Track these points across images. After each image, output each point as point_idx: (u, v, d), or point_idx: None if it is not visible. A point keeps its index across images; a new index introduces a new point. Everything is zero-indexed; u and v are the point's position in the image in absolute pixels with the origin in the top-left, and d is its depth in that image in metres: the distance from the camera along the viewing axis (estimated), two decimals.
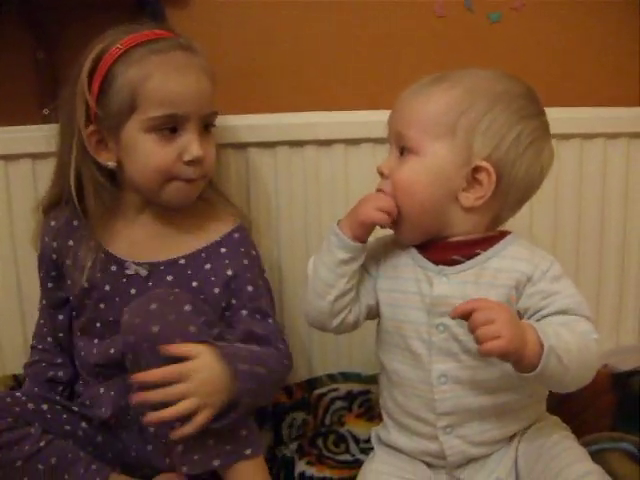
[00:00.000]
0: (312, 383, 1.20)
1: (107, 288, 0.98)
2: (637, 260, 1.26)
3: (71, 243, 1.00)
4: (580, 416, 0.98)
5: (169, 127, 0.93)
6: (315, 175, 1.18)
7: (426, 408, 0.83)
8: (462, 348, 0.81)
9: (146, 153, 0.93)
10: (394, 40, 1.24)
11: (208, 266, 0.98)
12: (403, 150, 0.84)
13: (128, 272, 0.98)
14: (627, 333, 1.26)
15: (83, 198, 0.97)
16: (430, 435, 0.84)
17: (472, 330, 0.71)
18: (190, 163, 0.94)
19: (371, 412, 1.11)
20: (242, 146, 1.17)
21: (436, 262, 0.84)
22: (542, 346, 0.72)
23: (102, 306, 0.98)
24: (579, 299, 0.80)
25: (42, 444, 0.90)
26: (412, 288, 0.84)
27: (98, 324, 0.99)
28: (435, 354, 0.82)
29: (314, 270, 0.87)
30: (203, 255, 0.99)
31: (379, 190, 0.85)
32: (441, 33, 1.24)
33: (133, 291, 0.97)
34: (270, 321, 0.98)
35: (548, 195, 1.19)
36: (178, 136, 0.93)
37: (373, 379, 1.10)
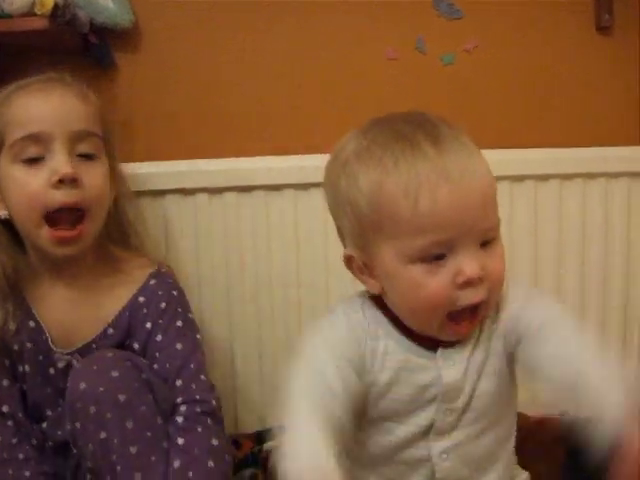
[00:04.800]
0: (262, 435, 1.14)
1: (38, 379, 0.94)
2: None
3: None
4: (534, 467, 0.94)
5: (36, 156, 0.88)
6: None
7: None
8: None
9: (16, 184, 0.89)
10: (346, 84, 1.22)
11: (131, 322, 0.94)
12: (485, 242, 0.71)
13: (60, 365, 0.94)
14: None
15: None
16: None
17: None
18: (60, 185, 0.87)
19: None
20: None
21: (431, 348, 0.74)
22: None
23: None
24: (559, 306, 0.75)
25: None
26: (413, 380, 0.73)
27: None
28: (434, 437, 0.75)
29: None
30: (127, 314, 0.95)
31: (477, 305, 0.70)
32: (394, 76, 1.22)
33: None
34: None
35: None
36: (46, 160, 0.88)
37: None
